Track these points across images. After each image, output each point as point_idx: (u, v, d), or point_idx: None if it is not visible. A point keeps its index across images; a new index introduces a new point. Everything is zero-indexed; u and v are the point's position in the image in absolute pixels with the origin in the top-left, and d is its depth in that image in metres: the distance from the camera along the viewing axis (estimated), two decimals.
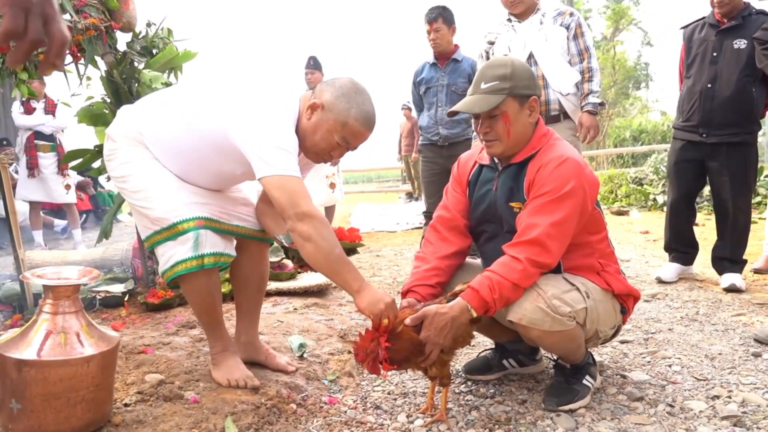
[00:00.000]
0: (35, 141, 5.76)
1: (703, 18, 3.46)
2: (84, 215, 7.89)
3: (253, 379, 1.88)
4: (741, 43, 3.24)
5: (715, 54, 3.30)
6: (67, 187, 5.89)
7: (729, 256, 3.39)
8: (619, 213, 7.61)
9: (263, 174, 1.67)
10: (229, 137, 1.73)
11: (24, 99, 5.64)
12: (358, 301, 1.68)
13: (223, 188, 1.99)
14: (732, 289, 3.23)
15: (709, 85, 3.30)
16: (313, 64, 5.61)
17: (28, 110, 5.76)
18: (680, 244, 3.60)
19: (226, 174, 1.88)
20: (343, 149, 1.83)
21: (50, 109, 5.76)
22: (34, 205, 6.01)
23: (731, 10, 3.29)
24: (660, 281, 3.53)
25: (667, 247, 3.70)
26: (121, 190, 1.92)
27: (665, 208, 3.78)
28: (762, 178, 7.03)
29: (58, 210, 7.02)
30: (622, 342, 2.48)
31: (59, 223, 7.27)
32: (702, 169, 3.43)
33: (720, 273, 3.43)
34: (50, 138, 5.82)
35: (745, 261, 3.43)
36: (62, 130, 5.84)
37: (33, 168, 5.71)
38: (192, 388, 1.85)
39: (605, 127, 16.85)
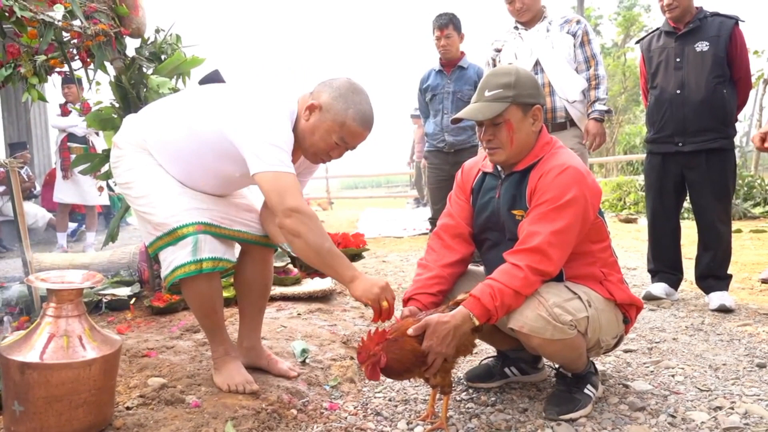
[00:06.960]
0: (68, 143, 5.92)
1: (658, 28, 3.35)
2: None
3: (252, 383, 1.89)
4: (703, 46, 3.10)
5: (678, 59, 3.16)
6: (100, 189, 5.96)
7: (714, 273, 3.18)
8: (628, 221, 7.58)
9: (256, 170, 1.68)
10: (226, 137, 1.75)
11: (62, 102, 5.88)
12: (352, 291, 1.70)
13: (226, 193, 2.00)
14: (722, 310, 3.04)
15: (678, 91, 3.15)
16: None
17: (65, 113, 5.89)
18: (664, 266, 3.36)
19: (226, 177, 1.89)
20: (342, 149, 1.84)
21: (85, 112, 5.84)
22: (62, 207, 6.11)
23: (682, 14, 3.17)
24: (651, 297, 3.30)
25: (651, 270, 3.43)
26: (126, 197, 1.95)
27: (647, 227, 3.47)
28: None
29: (70, 212, 7.07)
30: (626, 351, 2.46)
31: (70, 226, 7.32)
32: (682, 181, 3.26)
33: (706, 292, 3.22)
34: (82, 140, 5.93)
35: (730, 276, 3.23)
36: (97, 133, 5.91)
37: (66, 170, 5.85)
38: (194, 393, 1.86)
39: (615, 134, 16.76)
